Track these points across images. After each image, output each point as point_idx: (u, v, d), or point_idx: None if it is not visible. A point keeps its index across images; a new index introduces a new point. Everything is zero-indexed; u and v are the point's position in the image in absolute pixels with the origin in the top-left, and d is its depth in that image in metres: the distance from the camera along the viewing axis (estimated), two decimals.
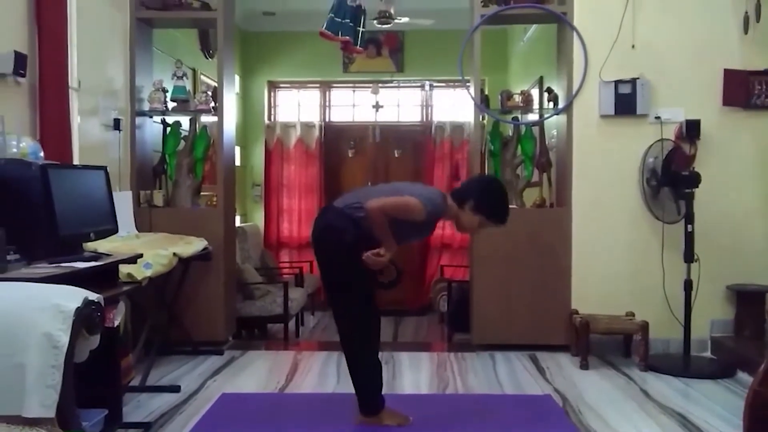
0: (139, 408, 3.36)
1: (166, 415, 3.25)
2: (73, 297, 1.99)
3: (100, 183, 3.08)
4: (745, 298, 4.45)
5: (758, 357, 4.07)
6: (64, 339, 1.88)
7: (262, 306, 5.28)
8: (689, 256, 4.19)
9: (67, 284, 2.17)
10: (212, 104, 4.71)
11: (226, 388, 3.72)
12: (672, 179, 4.25)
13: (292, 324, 5.60)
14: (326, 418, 3.21)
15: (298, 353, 4.64)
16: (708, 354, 4.51)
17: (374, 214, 2.87)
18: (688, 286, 4.22)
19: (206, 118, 4.98)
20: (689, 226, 4.17)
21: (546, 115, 4.83)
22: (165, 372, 4.03)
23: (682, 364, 4.16)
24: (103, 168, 3.15)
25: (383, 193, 3.03)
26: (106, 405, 2.90)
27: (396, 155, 7.24)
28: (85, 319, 1.97)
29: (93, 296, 2.08)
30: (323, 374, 4.05)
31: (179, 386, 3.69)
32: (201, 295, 4.57)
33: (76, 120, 3.92)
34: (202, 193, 4.96)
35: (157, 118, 4.85)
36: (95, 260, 2.72)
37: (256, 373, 4.08)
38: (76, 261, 2.60)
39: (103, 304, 2.12)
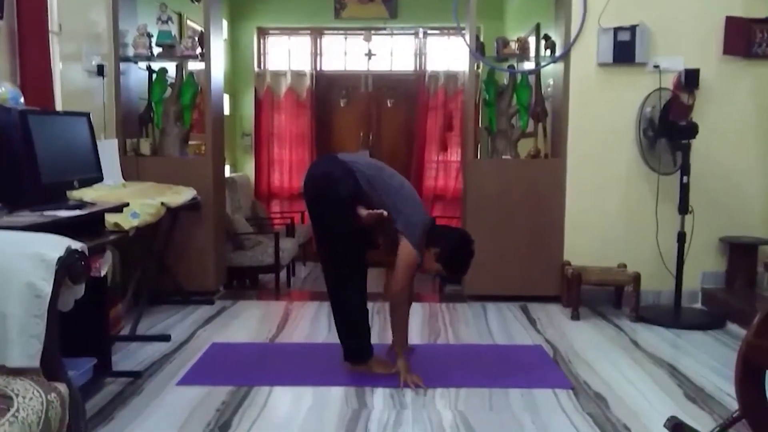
0: (128, 357, 3.34)
1: (156, 364, 3.24)
2: (56, 246, 1.93)
3: (82, 130, 2.98)
4: (737, 250, 4.45)
5: (748, 308, 4.10)
6: (47, 288, 1.83)
7: (253, 256, 5.24)
8: (684, 208, 4.16)
9: (51, 233, 2.11)
10: (199, 50, 4.56)
11: (216, 338, 3.71)
12: (669, 130, 4.18)
13: (283, 274, 5.58)
14: (317, 368, 3.21)
15: (289, 303, 4.63)
16: (698, 305, 4.53)
17: (396, 295, 3.00)
18: (681, 237, 4.21)
19: (193, 65, 4.83)
20: (685, 178, 4.13)
21: (543, 63, 4.72)
22: (155, 321, 4.02)
23: (672, 315, 4.18)
24: (86, 114, 3.04)
25: (392, 188, 3.00)
26: (95, 354, 2.89)
27: (389, 105, 7.11)
28: (68, 268, 1.92)
29: (76, 245, 2.02)
30: (314, 324, 4.05)
31: (169, 335, 3.68)
32: (191, 245, 4.52)
33: (57, 66, 3.79)
34: (190, 142, 4.86)
35: (143, 65, 4.70)
36: (79, 209, 2.65)
37: (246, 323, 4.07)
38: (59, 209, 2.53)
39: (87, 253, 2.06)
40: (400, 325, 3.06)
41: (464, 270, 3.19)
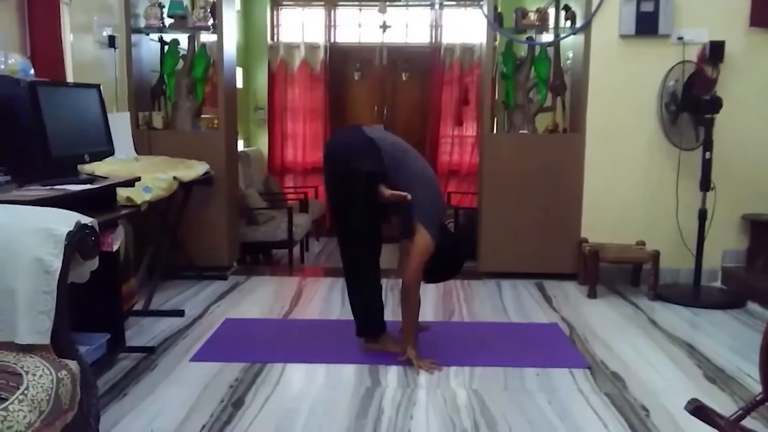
0: (142, 332, 3.34)
1: (170, 339, 3.24)
2: (65, 220, 1.89)
3: (93, 102, 2.93)
4: (760, 228, 4.35)
5: None
6: (56, 264, 1.79)
7: (267, 231, 5.21)
8: (705, 185, 4.06)
9: (61, 207, 2.07)
10: (211, 21, 4.48)
11: (229, 314, 3.70)
12: (692, 104, 4.07)
13: (296, 250, 5.56)
14: (330, 345, 3.18)
15: (302, 279, 4.60)
16: (718, 284, 4.45)
17: (410, 283, 2.92)
18: (702, 215, 4.11)
19: (206, 37, 4.76)
20: (707, 154, 4.02)
21: (562, 35, 4.59)
22: (169, 297, 4.01)
23: (691, 294, 4.11)
24: (97, 86, 3.00)
25: (415, 173, 2.93)
26: (108, 329, 2.88)
27: (403, 78, 7.00)
28: (77, 243, 1.88)
29: (86, 220, 1.98)
30: (328, 300, 4.02)
31: (183, 311, 3.67)
32: (204, 220, 4.50)
33: (68, 37, 3.74)
34: (202, 116, 4.81)
35: (154, 36, 4.64)
36: (90, 183, 2.61)
37: (260, 299, 4.05)
38: (69, 184, 2.50)
39: (97, 228, 2.02)
40: (410, 313, 2.99)
41: (444, 278, 3.16)
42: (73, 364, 1.78)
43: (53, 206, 2.09)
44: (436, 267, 2.96)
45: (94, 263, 1.97)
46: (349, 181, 2.89)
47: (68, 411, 1.72)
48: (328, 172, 3.01)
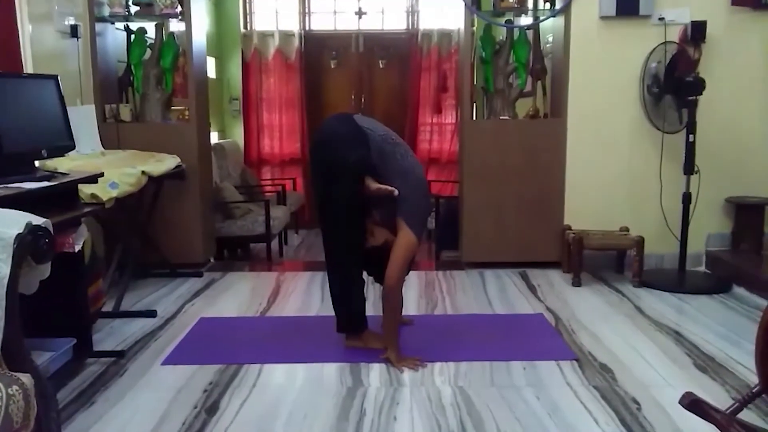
0: (112, 335, 3.19)
1: (141, 342, 3.09)
2: (14, 222, 1.75)
3: (50, 94, 2.76)
4: (744, 211, 4.30)
5: (756, 271, 3.97)
6: (4, 270, 1.66)
7: (243, 225, 5.07)
8: (689, 168, 3.99)
9: (15, 207, 1.93)
10: (179, 8, 4.30)
11: (204, 312, 3.56)
12: (675, 85, 3.98)
13: (275, 244, 5.42)
14: (310, 343, 3.06)
15: (281, 274, 4.47)
16: (703, 269, 4.40)
17: (393, 286, 2.79)
18: (686, 199, 4.05)
19: (174, 26, 4.58)
20: (691, 136, 3.95)
21: (542, 18, 4.48)
22: (140, 296, 3.86)
23: (676, 280, 4.05)
24: (54, 77, 2.82)
25: (403, 169, 2.79)
26: (74, 334, 2.73)
27: (381, 66, 6.86)
28: (28, 246, 1.74)
29: (39, 220, 1.84)
30: (307, 295, 3.90)
31: (155, 311, 3.53)
32: (176, 216, 4.35)
33: (26, 27, 3.56)
34: (173, 108, 4.63)
35: (120, 25, 4.45)
36: (48, 180, 2.45)
37: (236, 296, 3.92)
38: (25, 181, 2.34)
39: (51, 229, 1.88)
40: (392, 314, 2.85)
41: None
42: (26, 378, 1.64)
43: (5, 206, 1.94)
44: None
45: (45, 271, 1.82)
46: (335, 171, 2.75)
47: (21, 429, 1.58)
48: (315, 159, 2.86)
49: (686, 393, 2.04)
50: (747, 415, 2.12)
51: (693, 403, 1.99)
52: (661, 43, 4.11)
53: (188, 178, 4.25)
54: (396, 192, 2.73)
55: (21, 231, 1.72)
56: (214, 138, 5.97)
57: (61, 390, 2.53)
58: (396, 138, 2.89)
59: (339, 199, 2.77)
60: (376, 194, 2.75)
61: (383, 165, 2.77)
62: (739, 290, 3.91)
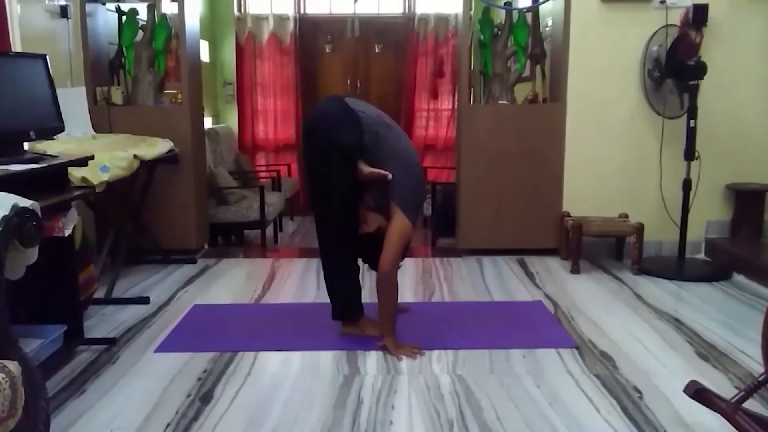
0: (104, 322, 3.13)
1: (133, 329, 3.04)
2: (0, 204, 1.69)
3: (39, 74, 2.68)
4: (744, 197, 4.26)
5: (755, 258, 3.93)
6: None
7: (238, 211, 5.00)
8: (690, 154, 3.94)
9: (1, 190, 1.86)
10: None
11: (198, 299, 3.50)
12: (676, 69, 3.93)
13: (270, 230, 5.36)
14: (305, 330, 3.01)
15: (275, 261, 4.41)
16: (702, 256, 4.36)
17: (388, 273, 2.70)
18: (686, 185, 4.00)
19: (166, 7, 4.49)
20: (692, 122, 3.90)
21: (541, 0, 4.40)
22: (133, 283, 3.80)
23: (676, 267, 4.01)
24: (42, 56, 2.74)
25: (397, 153, 2.72)
26: (65, 320, 2.67)
27: (376, 50, 6.76)
28: (14, 228, 1.68)
29: (26, 202, 1.78)
30: (302, 282, 3.85)
31: (148, 297, 3.47)
32: (170, 201, 4.28)
33: (15, 7, 3.46)
34: (165, 91, 4.55)
35: (111, 5, 4.36)
36: (36, 162, 2.38)
37: (230, 283, 3.86)
38: (12, 163, 2.27)
39: (38, 211, 1.81)
40: (388, 301, 2.78)
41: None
42: (13, 366, 1.59)
43: None
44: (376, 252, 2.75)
45: (32, 255, 1.76)
46: (327, 155, 2.68)
47: (8, 418, 1.53)
48: (306, 143, 2.78)
49: (691, 382, 2.01)
50: (752, 404, 2.08)
51: (698, 392, 1.96)
52: (663, 27, 4.05)
53: (181, 163, 4.18)
54: (390, 176, 2.67)
55: (7, 213, 1.66)
56: (208, 123, 5.88)
57: (52, 378, 2.47)
58: (389, 120, 2.82)
59: (332, 183, 2.71)
60: (369, 178, 2.69)
61: (376, 148, 2.70)
62: (738, 278, 3.88)
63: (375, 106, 2.87)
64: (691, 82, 3.87)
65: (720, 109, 4.19)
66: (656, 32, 4.06)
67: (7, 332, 1.67)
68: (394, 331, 2.80)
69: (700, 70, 3.83)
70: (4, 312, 1.66)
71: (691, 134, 3.92)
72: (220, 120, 6.76)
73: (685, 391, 1.98)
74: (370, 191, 2.78)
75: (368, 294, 3.21)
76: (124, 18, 4.35)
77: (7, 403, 1.52)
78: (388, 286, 2.75)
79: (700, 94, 3.90)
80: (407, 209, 2.70)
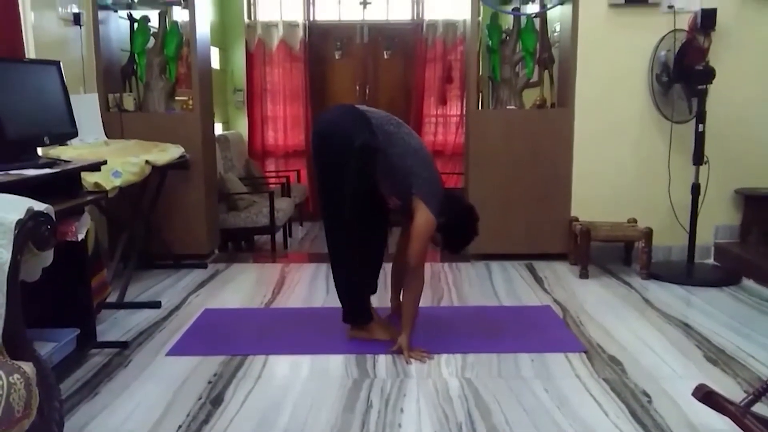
0: (116, 326, 3.17)
1: (145, 333, 3.07)
2: (15, 207, 1.72)
3: (53, 80, 2.72)
4: (753, 203, 4.25)
5: (764, 262, 3.92)
6: (5, 255, 1.63)
7: (248, 217, 5.03)
8: (698, 158, 3.94)
9: (15, 193, 1.89)
10: None
11: (209, 303, 3.53)
12: (684, 74, 3.93)
13: (279, 236, 5.38)
14: (315, 334, 3.03)
15: (285, 266, 4.44)
16: (711, 261, 4.35)
17: (417, 266, 2.78)
18: (695, 190, 4.00)
19: (178, 15, 4.54)
20: (700, 126, 3.90)
21: (549, 6, 4.43)
22: (145, 287, 3.83)
23: (685, 272, 4.01)
24: (56, 63, 2.78)
25: (411, 148, 2.77)
26: (78, 324, 2.71)
27: (385, 57, 6.80)
28: (29, 232, 1.71)
29: (40, 206, 1.81)
30: (312, 287, 3.87)
31: (159, 302, 3.50)
32: (181, 206, 4.32)
33: (29, 15, 3.52)
34: (176, 97, 4.60)
35: (123, 13, 4.41)
36: (50, 167, 2.42)
37: (241, 287, 3.89)
38: (27, 168, 2.30)
39: (53, 215, 1.85)
40: (414, 299, 2.82)
41: (464, 245, 2.94)
42: (27, 367, 1.61)
43: (6, 192, 1.91)
44: (453, 235, 2.82)
45: (48, 258, 1.79)
46: (340, 158, 2.69)
47: (23, 419, 1.55)
48: (318, 149, 2.79)
49: (700, 385, 2.01)
50: (761, 408, 2.08)
51: (707, 396, 1.96)
52: (671, 31, 4.06)
53: (192, 169, 4.21)
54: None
55: (22, 216, 1.69)
56: (218, 129, 5.93)
57: (65, 380, 2.50)
58: (397, 120, 2.85)
59: (346, 186, 2.71)
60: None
61: (390, 146, 2.71)
62: (748, 282, 3.87)
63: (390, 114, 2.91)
64: (700, 87, 3.87)
65: (728, 113, 4.19)
66: (664, 37, 4.06)
67: (22, 334, 1.70)
68: (413, 330, 2.81)
69: (709, 74, 3.83)
70: (19, 314, 1.69)
71: (699, 139, 3.92)
72: (230, 126, 6.81)
73: (693, 394, 1.98)
74: (389, 192, 2.80)
75: (377, 300, 3.21)
76: (135, 25, 4.41)
77: (23, 404, 1.54)
78: (416, 282, 2.79)
79: (708, 98, 3.90)
80: (430, 202, 2.71)
